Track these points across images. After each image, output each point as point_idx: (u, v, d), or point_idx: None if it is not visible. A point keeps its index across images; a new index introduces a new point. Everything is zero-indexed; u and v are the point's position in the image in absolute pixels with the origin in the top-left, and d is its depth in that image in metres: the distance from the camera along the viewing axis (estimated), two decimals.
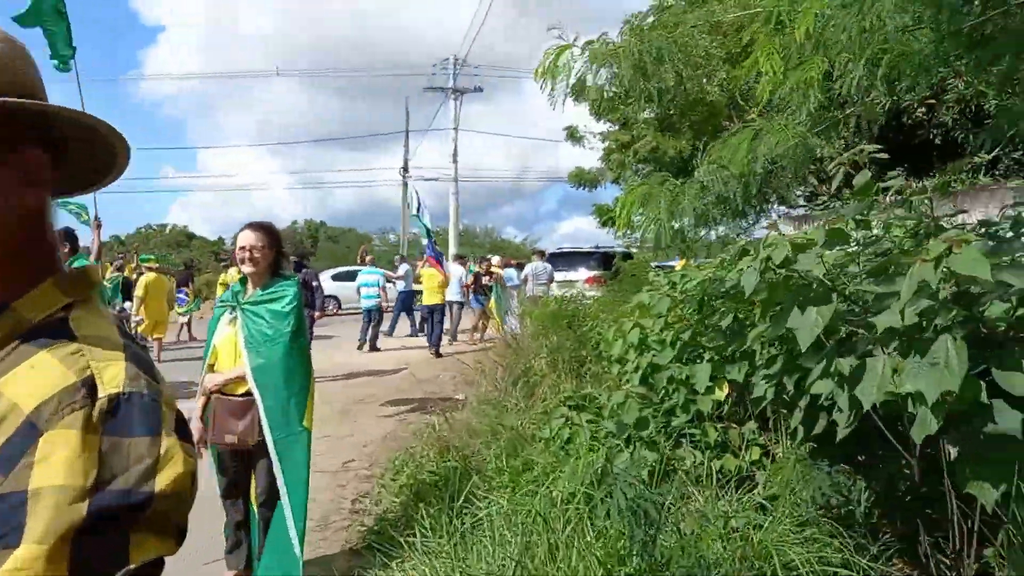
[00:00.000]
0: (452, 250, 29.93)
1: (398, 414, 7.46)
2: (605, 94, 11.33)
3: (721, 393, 3.69)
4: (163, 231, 56.14)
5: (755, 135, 2.77)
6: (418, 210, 12.21)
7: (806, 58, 2.99)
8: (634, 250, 20.11)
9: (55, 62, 6.21)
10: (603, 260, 15.62)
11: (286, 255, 3.53)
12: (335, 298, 22.79)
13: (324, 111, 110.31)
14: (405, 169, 30.17)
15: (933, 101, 8.87)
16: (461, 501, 3.68)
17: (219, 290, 16.72)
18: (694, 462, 3.52)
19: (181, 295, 16.68)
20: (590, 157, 34.69)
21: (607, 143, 12.90)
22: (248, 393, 3.22)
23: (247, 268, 3.28)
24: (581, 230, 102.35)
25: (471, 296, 14.24)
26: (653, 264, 9.64)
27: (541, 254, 16.35)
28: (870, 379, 1.65)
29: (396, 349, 13.44)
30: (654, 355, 4.09)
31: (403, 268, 15.15)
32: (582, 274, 15.48)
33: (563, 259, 16.19)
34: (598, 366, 5.08)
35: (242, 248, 3.26)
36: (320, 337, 16.00)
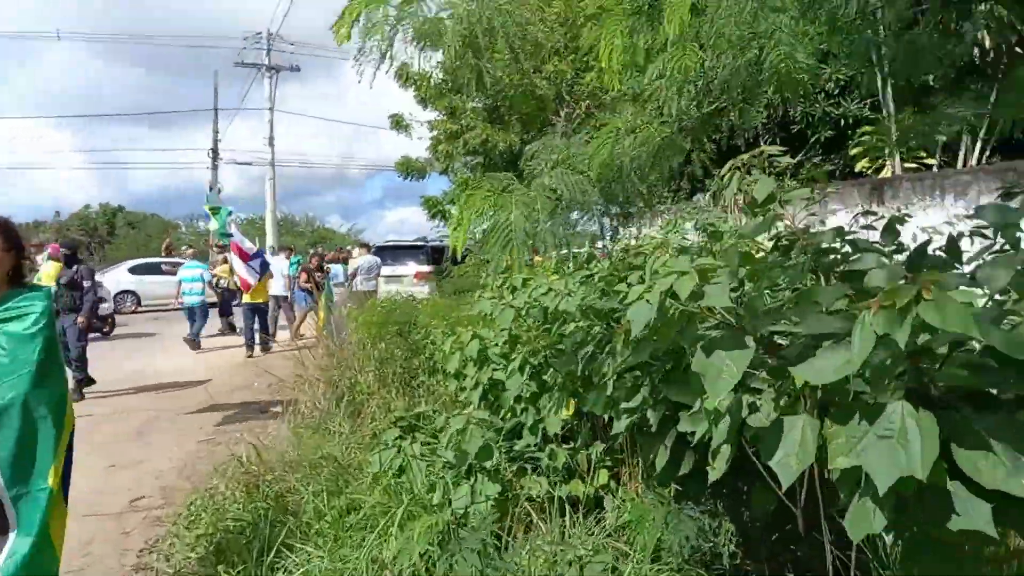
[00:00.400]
0: (270, 240, 28.06)
1: (203, 433, 6.55)
2: (431, 80, 10.78)
3: (568, 412, 3.40)
4: None
5: (616, 136, 2.45)
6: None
7: (662, 44, 2.71)
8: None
9: None
10: (432, 254, 15.20)
11: (29, 258, 2.71)
12: (133, 294, 20.44)
13: (120, 83, 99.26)
14: (215, 151, 27.73)
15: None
16: (272, 556, 3.09)
17: None
18: (540, 492, 3.19)
19: None
20: (417, 146, 33.90)
21: (435, 132, 12.44)
22: None
23: None
24: (407, 221, 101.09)
25: (294, 292, 13.26)
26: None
27: (366, 247, 15.83)
28: (787, 446, 1.35)
29: (206, 351, 12.15)
30: (495, 369, 3.72)
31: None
32: (410, 268, 14.98)
33: (390, 253, 15.54)
34: (432, 379, 4.62)
35: None
36: (133, 336, 14.20)
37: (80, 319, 7.99)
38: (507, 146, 9.97)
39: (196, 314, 12.13)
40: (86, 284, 8.02)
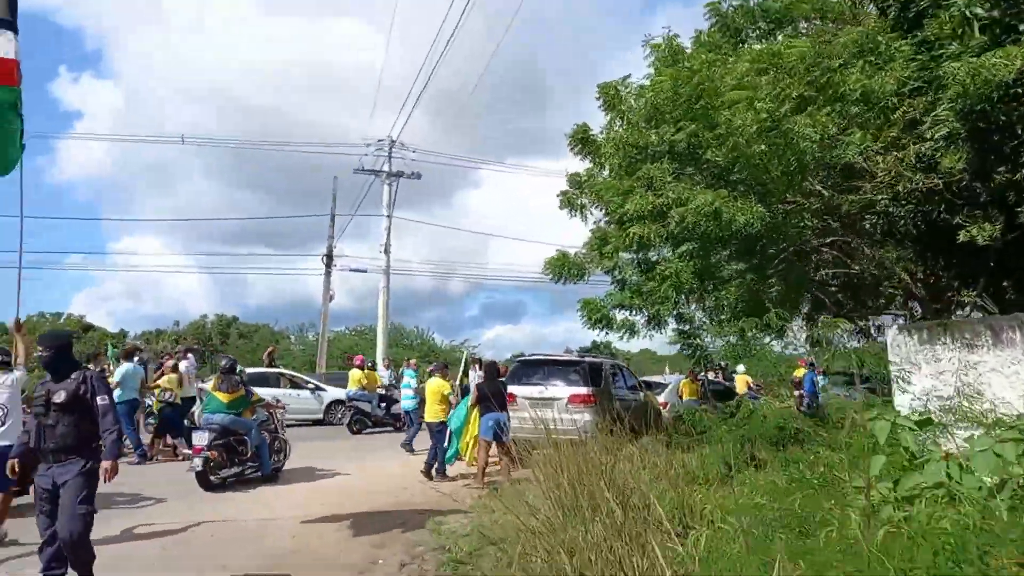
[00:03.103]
0: (380, 351, 25.84)
1: None
2: (619, 143, 7.88)
3: None
4: (56, 319, 50.38)
5: None
6: None
7: None
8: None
9: None
10: (590, 373, 12.03)
11: None
12: None
13: (245, 203, 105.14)
14: (329, 257, 26.23)
15: None
16: None
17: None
18: None
19: None
20: (536, 254, 31.77)
21: (611, 215, 9.57)
22: None
23: None
24: (503, 337, 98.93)
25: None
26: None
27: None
28: None
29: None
30: None
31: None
32: (562, 391, 11.80)
33: (536, 370, 12.51)
34: None
35: None
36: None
37: (106, 464, 4.68)
38: (744, 224, 6.89)
39: (411, 419, 13.03)
40: (100, 402, 4.67)
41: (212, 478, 8.71)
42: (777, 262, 7.87)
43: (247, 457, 9.26)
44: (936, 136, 6.29)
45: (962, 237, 6.29)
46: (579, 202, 9.79)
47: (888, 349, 7.31)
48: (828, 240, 8.07)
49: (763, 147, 6.92)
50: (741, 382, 19.99)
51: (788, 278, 8.08)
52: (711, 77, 7.55)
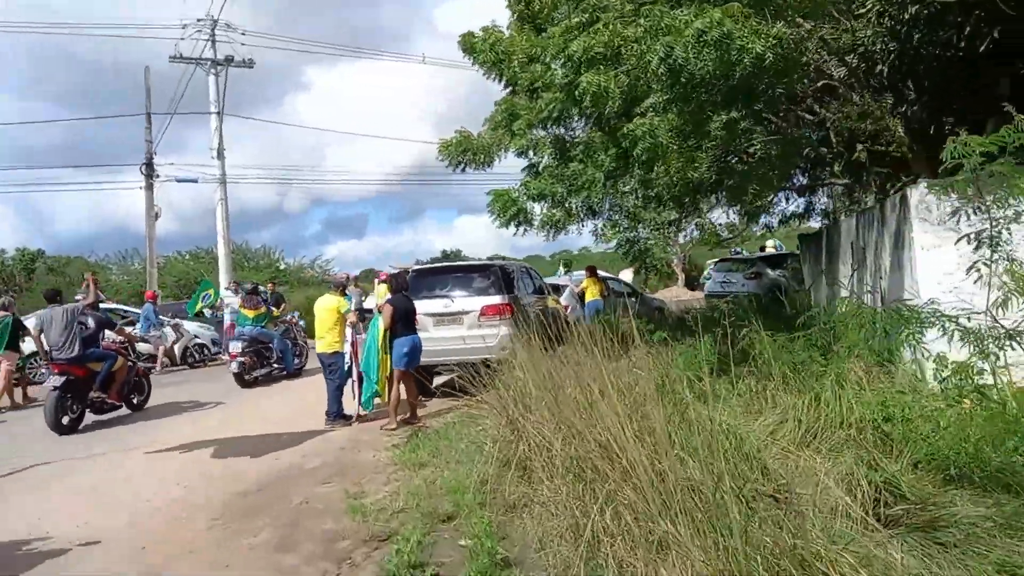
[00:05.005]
0: (223, 276, 22.37)
1: None
2: None
3: None
4: None
5: None
6: None
7: None
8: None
9: None
10: (503, 278, 10.00)
11: None
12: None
13: (34, 116, 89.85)
14: (149, 166, 21.86)
15: None
16: None
17: None
18: None
19: None
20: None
21: (522, 81, 7.37)
22: None
23: None
24: (346, 254, 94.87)
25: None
26: None
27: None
28: None
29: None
30: None
31: None
32: (472, 302, 9.73)
33: (436, 280, 10.30)
34: None
35: None
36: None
37: None
38: (764, 49, 4.98)
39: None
40: None
41: (246, 377, 11.46)
42: (775, 110, 6.05)
43: (273, 360, 12.35)
44: None
45: None
46: (492, 56, 7.45)
47: (912, 215, 5.85)
48: (819, 84, 6.39)
49: None
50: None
51: (785, 131, 6.29)
52: None
